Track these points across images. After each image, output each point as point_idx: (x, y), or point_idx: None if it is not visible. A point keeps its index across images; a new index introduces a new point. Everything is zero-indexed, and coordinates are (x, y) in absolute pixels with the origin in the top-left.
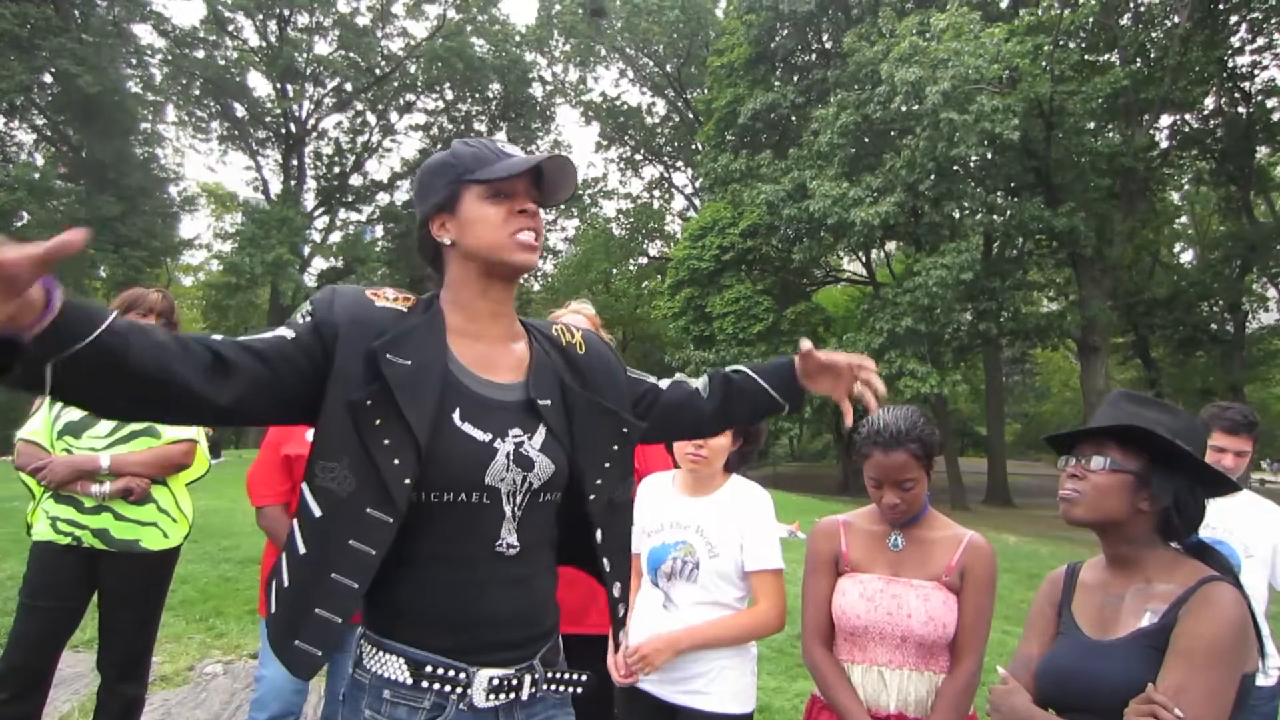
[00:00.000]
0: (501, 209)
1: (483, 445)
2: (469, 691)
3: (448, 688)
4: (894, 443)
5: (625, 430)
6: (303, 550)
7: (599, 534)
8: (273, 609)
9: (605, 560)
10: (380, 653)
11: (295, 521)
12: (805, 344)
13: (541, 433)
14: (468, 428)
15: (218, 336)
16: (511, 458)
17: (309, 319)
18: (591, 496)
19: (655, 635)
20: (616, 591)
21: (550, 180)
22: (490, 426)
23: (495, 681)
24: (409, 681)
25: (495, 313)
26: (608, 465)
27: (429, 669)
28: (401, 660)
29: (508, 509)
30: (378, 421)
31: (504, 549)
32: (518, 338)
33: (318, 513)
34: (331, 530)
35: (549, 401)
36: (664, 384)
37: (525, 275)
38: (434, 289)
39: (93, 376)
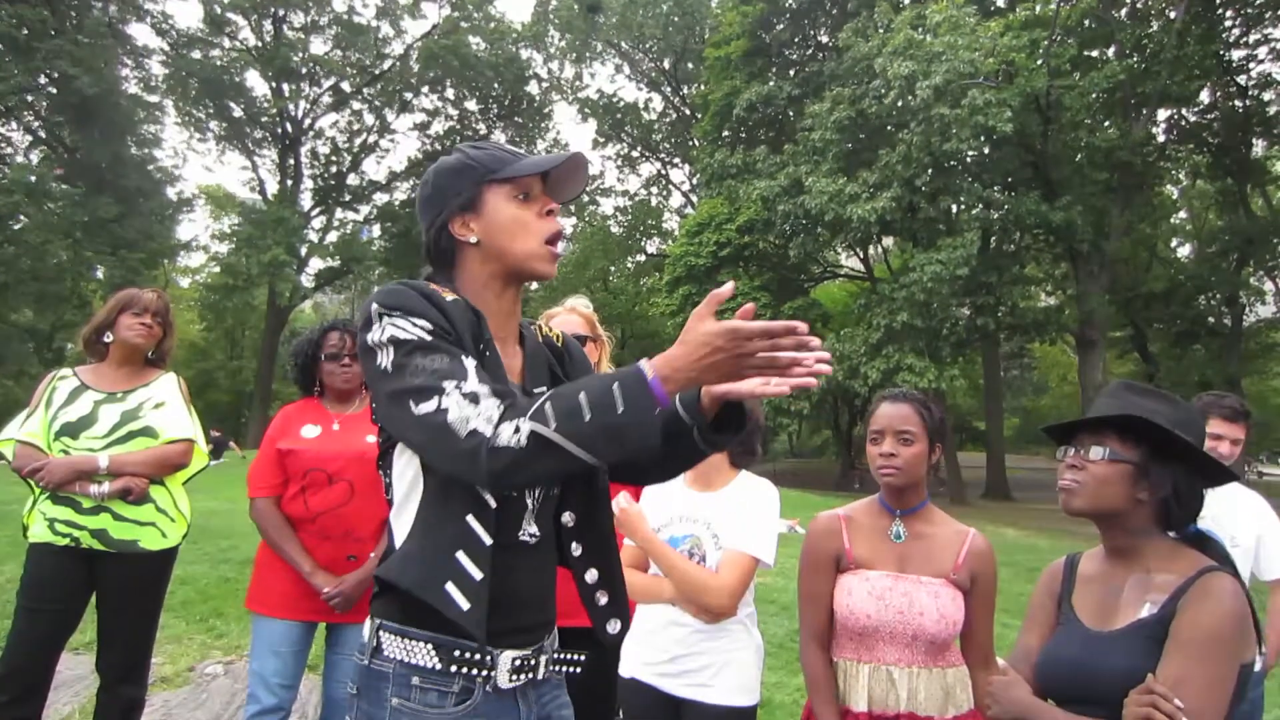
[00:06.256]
0: (529, 210)
1: None
2: (494, 674)
3: (475, 670)
4: (901, 398)
5: None
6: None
7: (566, 516)
8: (403, 572)
9: (575, 545)
10: (405, 640)
11: (420, 503)
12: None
13: None
14: None
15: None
16: None
17: (435, 327)
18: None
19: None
20: (590, 578)
21: (559, 178)
22: None
23: (517, 662)
24: (438, 667)
25: (510, 313)
26: None
27: (457, 653)
28: (430, 646)
29: (529, 501)
30: None
31: (527, 538)
32: (519, 340)
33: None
34: (451, 501)
35: (544, 390)
36: None
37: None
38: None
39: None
